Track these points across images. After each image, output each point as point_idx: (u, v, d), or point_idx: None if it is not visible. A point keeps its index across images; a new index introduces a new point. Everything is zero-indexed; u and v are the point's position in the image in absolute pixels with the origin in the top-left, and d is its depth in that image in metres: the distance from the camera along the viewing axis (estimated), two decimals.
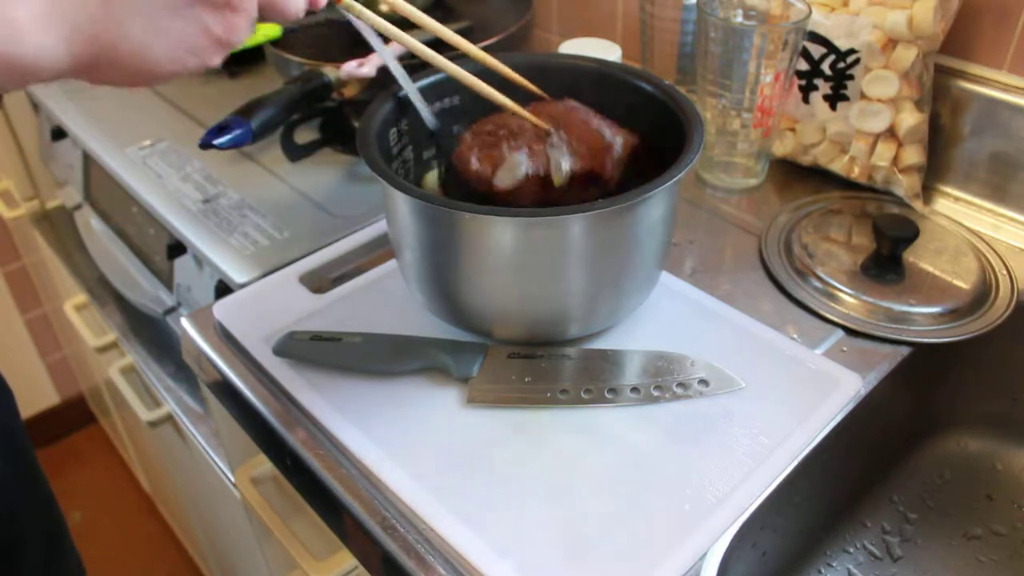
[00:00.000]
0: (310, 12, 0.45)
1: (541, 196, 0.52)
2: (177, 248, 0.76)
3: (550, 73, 0.59)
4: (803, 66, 0.69)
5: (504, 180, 0.51)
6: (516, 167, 0.51)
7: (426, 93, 0.57)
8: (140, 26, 0.37)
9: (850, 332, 0.57)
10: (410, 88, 0.55)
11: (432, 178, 0.61)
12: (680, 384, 0.52)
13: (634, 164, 0.55)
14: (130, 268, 0.89)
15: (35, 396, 1.71)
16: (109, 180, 0.84)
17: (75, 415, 1.77)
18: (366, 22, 0.50)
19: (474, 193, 0.52)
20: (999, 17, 0.65)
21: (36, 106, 1.00)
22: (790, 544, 0.57)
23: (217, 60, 0.41)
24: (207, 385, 0.60)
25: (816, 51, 0.67)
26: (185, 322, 0.60)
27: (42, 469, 0.71)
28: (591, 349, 0.55)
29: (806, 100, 0.70)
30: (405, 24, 0.52)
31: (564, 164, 0.51)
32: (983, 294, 0.60)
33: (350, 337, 0.54)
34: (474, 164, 0.52)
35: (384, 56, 0.53)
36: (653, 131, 0.55)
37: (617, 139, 0.54)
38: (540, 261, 0.49)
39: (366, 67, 0.72)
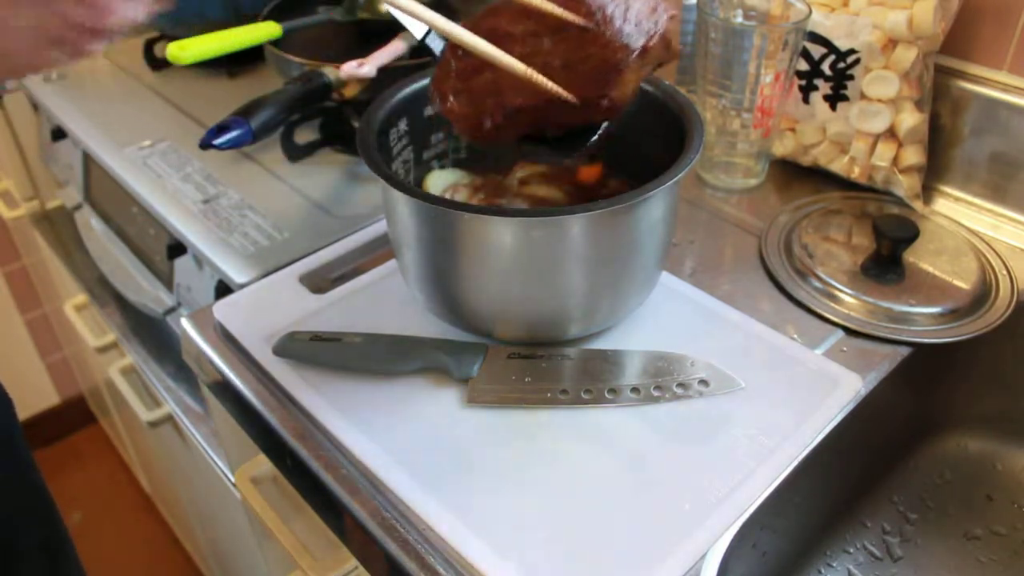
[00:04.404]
0: None
1: (535, 120, 0.47)
2: (177, 248, 0.76)
3: None
4: (803, 66, 0.69)
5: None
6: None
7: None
8: None
9: (850, 332, 0.57)
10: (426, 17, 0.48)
11: (433, 178, 0.61)
12: (680, 384, 0.52)
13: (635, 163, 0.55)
14: (130, 268, 0.89)
15: (35, 396, 1.71)
16: (109, 180, 0.84)
17: (75, 415, 1.77)
18: None
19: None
20: (999, 17, 0.65)
21: (36, 106, 1.00)
22: (790, 544, 0.57)
23: (91, 48, 0.36)
24: (207, 385, 0.60)
25: (816, 51, 0.67)
26: (185, 322, 0.60)
27: (43, 478, 0.71)
28: (591, 349, 0.55)
29: (806, 100, 0.70)
30: None
31: None
32: (983, 294, 0.60)
33: (350, 337, 0.54)
34: (450, 103, 0.48)
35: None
36: (653, 131, 0.55)
37: (630, 57, 0.46)
38: (540, 261, 0.49)
39: (366, 67, 0.72)
